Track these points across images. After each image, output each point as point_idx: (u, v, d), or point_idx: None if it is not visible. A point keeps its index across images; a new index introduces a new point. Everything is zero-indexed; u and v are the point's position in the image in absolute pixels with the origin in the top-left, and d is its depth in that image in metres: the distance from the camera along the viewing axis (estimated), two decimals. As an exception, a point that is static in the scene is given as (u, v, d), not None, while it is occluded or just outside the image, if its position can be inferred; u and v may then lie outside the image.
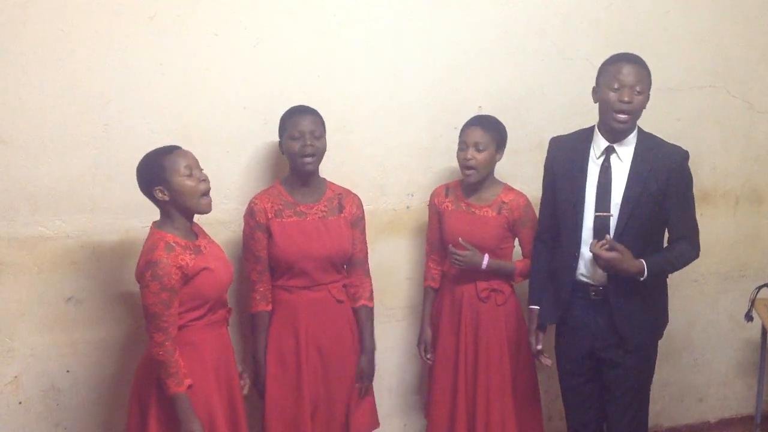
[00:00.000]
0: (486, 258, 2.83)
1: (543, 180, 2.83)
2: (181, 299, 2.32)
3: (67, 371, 2.86)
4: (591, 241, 2.58)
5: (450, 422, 2.95)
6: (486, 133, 2.82)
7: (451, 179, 3.08)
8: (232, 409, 2.48)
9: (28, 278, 2.75)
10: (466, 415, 2.92)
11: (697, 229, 2.68)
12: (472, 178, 2.84)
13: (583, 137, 2.70)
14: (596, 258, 2.53)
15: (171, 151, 2.37)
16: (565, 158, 2.71)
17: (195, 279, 2.33)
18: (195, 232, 2.45)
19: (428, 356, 3.01)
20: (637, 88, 2.52)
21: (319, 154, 2.71)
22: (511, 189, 2.93)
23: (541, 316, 2.81)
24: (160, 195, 2.33)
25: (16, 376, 2.80)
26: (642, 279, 2.54)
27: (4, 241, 2.70)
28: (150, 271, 2.25)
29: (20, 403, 2.83)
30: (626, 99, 2.51)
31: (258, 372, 2.78)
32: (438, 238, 2.97)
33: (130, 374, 2.53)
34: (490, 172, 2.89)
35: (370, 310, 2.89)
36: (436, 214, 2.97)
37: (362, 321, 2.87)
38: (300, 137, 2.67)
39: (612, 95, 2.54)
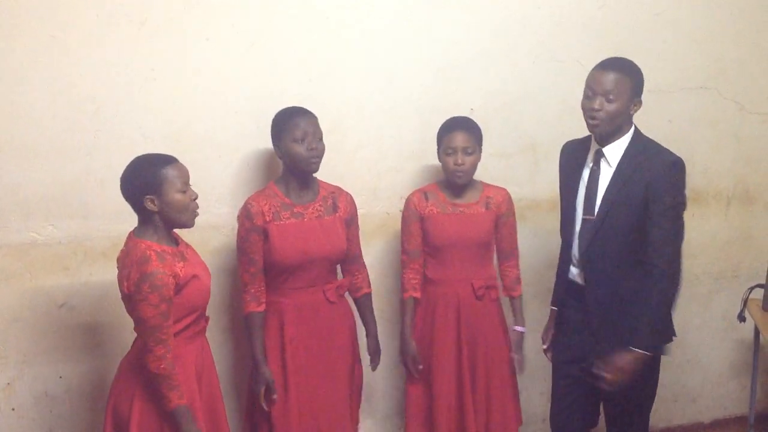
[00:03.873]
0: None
1: (559, 182, 2.83)
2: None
3: (60, 377, 2.85)
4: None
5: (459, 423, 2.94)
6: (472, 136, 2.86)
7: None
8: (214, 422, 2.44)
9: (21, 284, 2.74)
10: (474, 419, 2.92)
11: (672, 252, 2.49)
12: (462, 181, 2.86)
13: (587, 142, 2.70)
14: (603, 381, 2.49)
15: (169, 162, 2.30)
16: (569, 163, 2.74)
17: (185, 288, 2.29)
18: (174, 238, 2.40)
19: (419, 367, 2.94)
20: (610, 96, 2.48)
21: (322, 155, 2.72)
22: (490, 185, 2.98)
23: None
24: (149, 205, 2.26)
25: (8, 383, 2.79)
26: (653, 353, 2.50)
27: (-4, 248, 2.69)
28: (147, 283, 2.19)
29: (13, 409, 2.82)
30: (594, 106, 2.50)
31: (259, 372, 2.72)
32: (419, 245, 2.95)
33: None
34: None
35: (370, 296, 2.98)
36: (417, 220, 2.93)
37: (365, 308, 2.97)
38: (304, 138, 2.65)
39: (585, 102, 2.55)
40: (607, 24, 3.28)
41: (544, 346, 2.91)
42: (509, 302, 3.03)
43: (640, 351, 2.47)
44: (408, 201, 2.98)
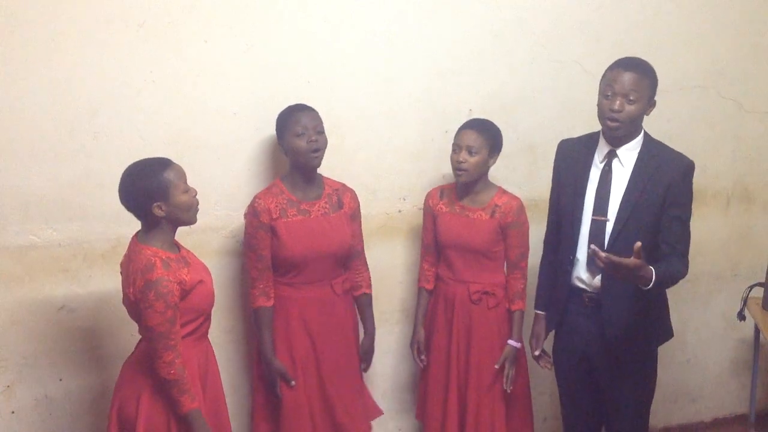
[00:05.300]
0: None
1: (552, 183, 2.81)
2: None
3: (60, 380, 2.85)
4: (589, 246, 2.43)
5: (442, 421, 2.96)
6: (480, 137, 2.82)
7: (443, 183, 3.08)
8: (217, 423, 2.45)
9: (20, 287, 2.74)
10: (457, 415, 2.93)
11: (689, 245, 2.58)
12: (462, 179, 2.85)
13: (590, 141, 2.67)
14: (611, 265, 2.26)
15: (167, 165, 2.30)
16: (571, 162, 2.70)
17: (192, 293, 2.30)
18: (176, 244, 2.40)
19: (422, 357, 3.01)
20: (631, 97, 2.45)
21: (323, 148, 2.74)
22: (505, 192, 2.93)
23: (547, 320, 2.83)
24: (157, 211, 2.27)
25: (8, 386, 2.79)
26: (647, 288, 2.37)
27: (-5, 250, 2.69)
28: (153, 291, 2.20)
29: (13, 412, 2.81)
30: (615, 107, 2.46)
31: (269, 368, 2.76)
32: (433, 240, 2.98)
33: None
34: (484, 175, 2.89)
35: (370, 297, 2.99)
36: (431, 216, 2.98)
37: (364, 307, 2.98)
38: (304, 133, 2.69)
39: (604, 102, 2.51)
40: (605, 24, 3.27)
41: (536, 353, 2.87)
42: (509, 314, 2.93)
43: (652, 275, 2.33)
44: (426, 196, 3.03)
